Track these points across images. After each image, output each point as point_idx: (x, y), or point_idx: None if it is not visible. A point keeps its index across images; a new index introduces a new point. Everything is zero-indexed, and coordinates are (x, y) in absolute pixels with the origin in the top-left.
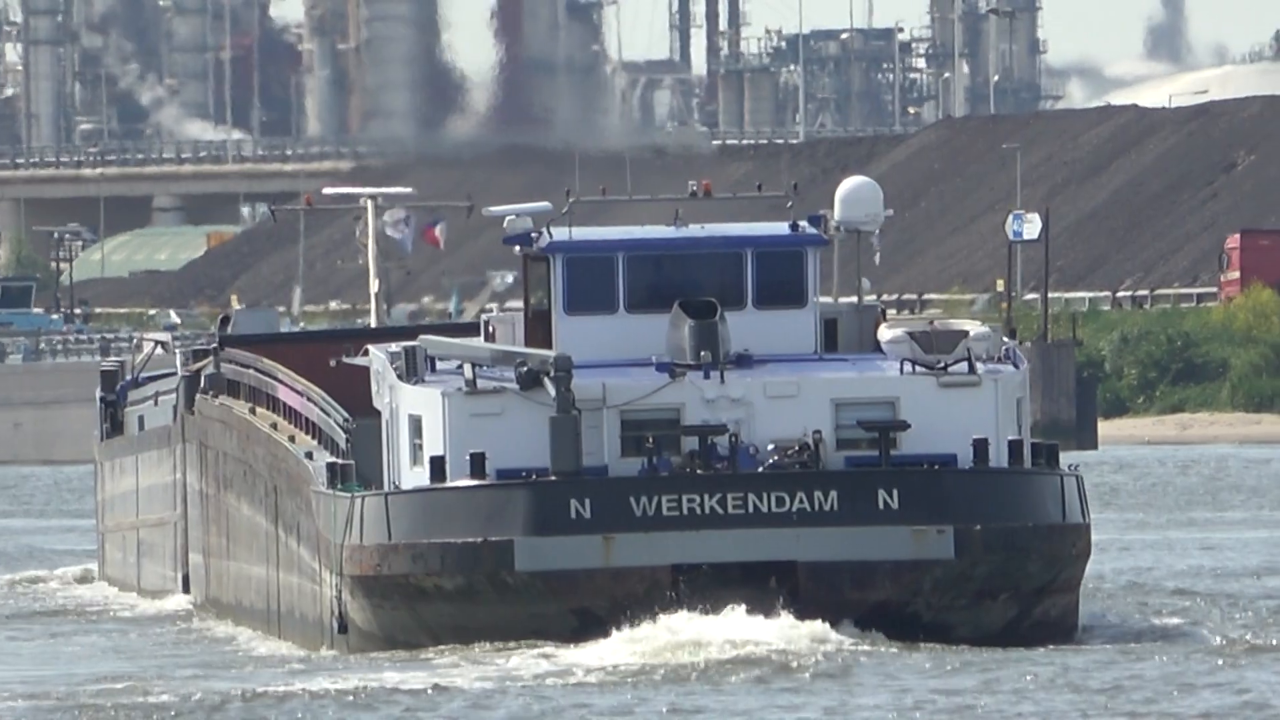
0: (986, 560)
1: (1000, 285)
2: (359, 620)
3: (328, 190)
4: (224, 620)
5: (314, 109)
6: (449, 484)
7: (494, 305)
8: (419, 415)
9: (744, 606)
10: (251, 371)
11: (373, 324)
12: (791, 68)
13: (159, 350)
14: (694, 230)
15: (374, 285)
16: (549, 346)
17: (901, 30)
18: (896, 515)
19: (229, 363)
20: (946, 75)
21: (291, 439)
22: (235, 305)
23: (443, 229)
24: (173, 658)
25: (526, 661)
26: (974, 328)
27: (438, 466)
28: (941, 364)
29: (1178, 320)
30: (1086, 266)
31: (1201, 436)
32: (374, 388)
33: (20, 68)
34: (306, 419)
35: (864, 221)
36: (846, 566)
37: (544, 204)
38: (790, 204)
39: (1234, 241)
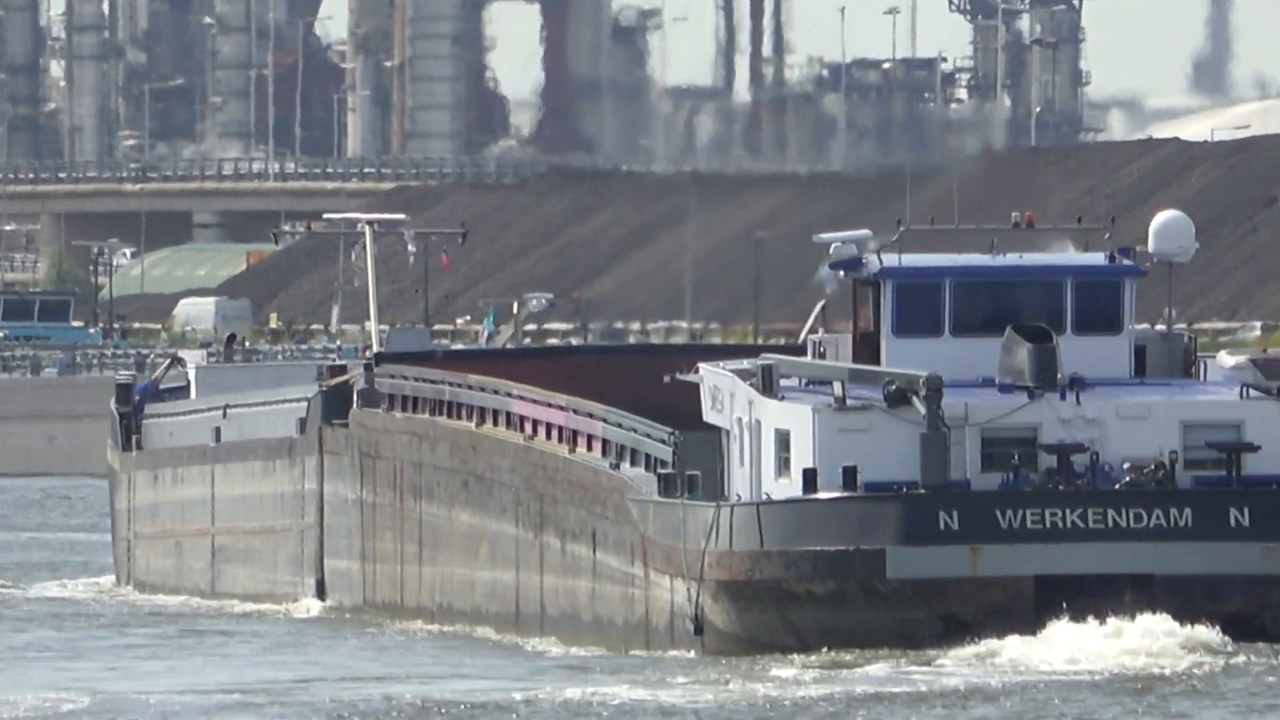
0: None
1: None
2: (719, 623)
3: (326, 215)
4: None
5: (355, 128)
6: (821, 495)
7: (531, 325)
8: (786, 430)
9: (1104, 616)
10: (447, 386)
11: (374, 346)
12: (833, 96)
13: (176, 367)
14: (1015, 259)
15: (373, 308)
16: (876, 366)
17: (944, 60)
18: (1248, 532)
19: (390, 377)
20: (988, 106)
21: (571, 450)
22: (274, 323)
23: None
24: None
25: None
26: None
27: (809, 478)
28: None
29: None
30: None
31: None
32: (707, 403)
33: (64, 83)
34: (581, 433)
35: (1176, 254)
36: (1200, 580)
37: (865, 231)
38: (1108, 235)
39: None
